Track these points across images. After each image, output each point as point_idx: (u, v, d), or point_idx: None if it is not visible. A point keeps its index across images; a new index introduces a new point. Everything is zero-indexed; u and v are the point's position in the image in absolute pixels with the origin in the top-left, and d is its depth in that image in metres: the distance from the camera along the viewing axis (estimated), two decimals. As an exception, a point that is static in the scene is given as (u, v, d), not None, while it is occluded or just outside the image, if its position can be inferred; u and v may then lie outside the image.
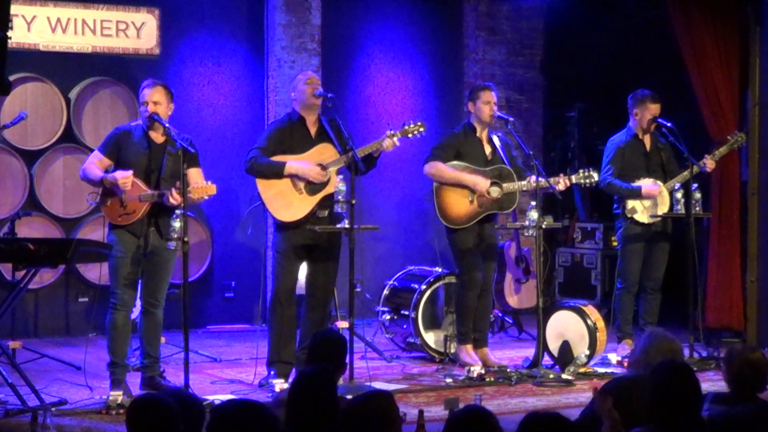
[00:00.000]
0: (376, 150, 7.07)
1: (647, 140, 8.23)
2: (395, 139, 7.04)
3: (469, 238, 7.60)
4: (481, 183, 7.52)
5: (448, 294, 8.11)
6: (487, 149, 7.70)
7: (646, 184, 8.06)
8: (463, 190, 7.56)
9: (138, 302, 6.90)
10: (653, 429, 3.87)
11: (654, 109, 8.09)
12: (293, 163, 6.98)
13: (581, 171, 7.58)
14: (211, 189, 6.62)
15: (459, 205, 7.56)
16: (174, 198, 6.47)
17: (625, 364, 7.32)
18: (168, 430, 3.61)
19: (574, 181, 7.53)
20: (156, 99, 6.66)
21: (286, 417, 3.94)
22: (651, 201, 8.09)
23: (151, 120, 6.64)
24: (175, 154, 6.61)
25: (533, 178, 7.39)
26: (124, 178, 6.49)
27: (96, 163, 6.67)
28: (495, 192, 7.53)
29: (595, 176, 7.59)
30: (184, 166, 6.45)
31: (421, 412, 4.23)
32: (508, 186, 7.54)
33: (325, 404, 3.92)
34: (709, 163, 8.06)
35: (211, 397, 6.25)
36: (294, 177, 6.98)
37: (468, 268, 7.63)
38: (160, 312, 6.76)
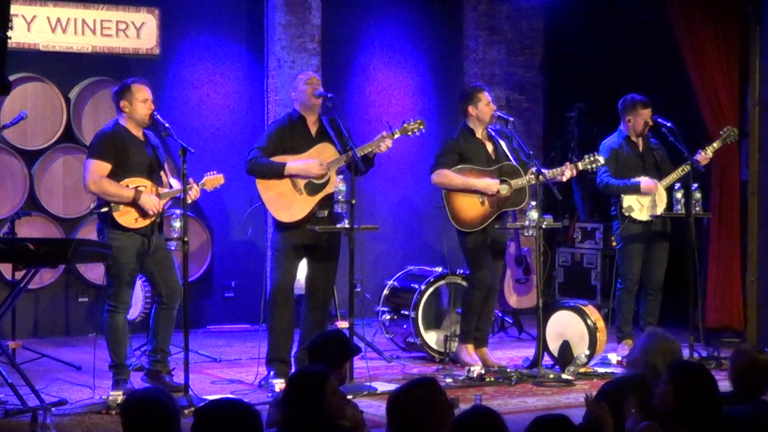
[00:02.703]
0: (370, 151, 7.07)
1: (640, 142, 8.22)
2: (388, 141, 7.03)
3: (480, 239, 7.59)
4: (492, 184, 7.51)
5: (450, 294, 8.11)
6: (489, 148, 7.69)
7: (644, 179, 8.05)
8: (472, 193, 7.55)
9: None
10: (661, 426, 3.89)
11: (646, 114, 8.09)
12: (293, 162, 6.98)
13: (586, 156, 7.56)
14: (221, 179, 6.87)
15: (471, 208, 7.55)
16: (195, 193, 6.65)
17: (624, 363, 7.31)
18: (166, 427, 3.58)
19: (581, 167, 7.52)
20: (152, 98, 6.70)
21: (281, 417, 3.93)
22: (649, 200, 8.09)
23: (151, 118, 6.65)
24: (155, 147, 6.72)
25: (533, 170, 7.39)
26: (155, 206, 6.52)
27: (105, 174, 6.51)
28: (504, 190, 7.53)
29: (601, 159, 7.57)
30: (184, 166, 6.45)
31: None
32: (516, 182, 7.54)
33: (318, 405, 3.90)
34: (701, 157, 8.03)
35: (210, 397, 6.25)
36: (294, 176, 6.98)
37: (477, 268, 7.62)
38: (175, 312, 6.73)
